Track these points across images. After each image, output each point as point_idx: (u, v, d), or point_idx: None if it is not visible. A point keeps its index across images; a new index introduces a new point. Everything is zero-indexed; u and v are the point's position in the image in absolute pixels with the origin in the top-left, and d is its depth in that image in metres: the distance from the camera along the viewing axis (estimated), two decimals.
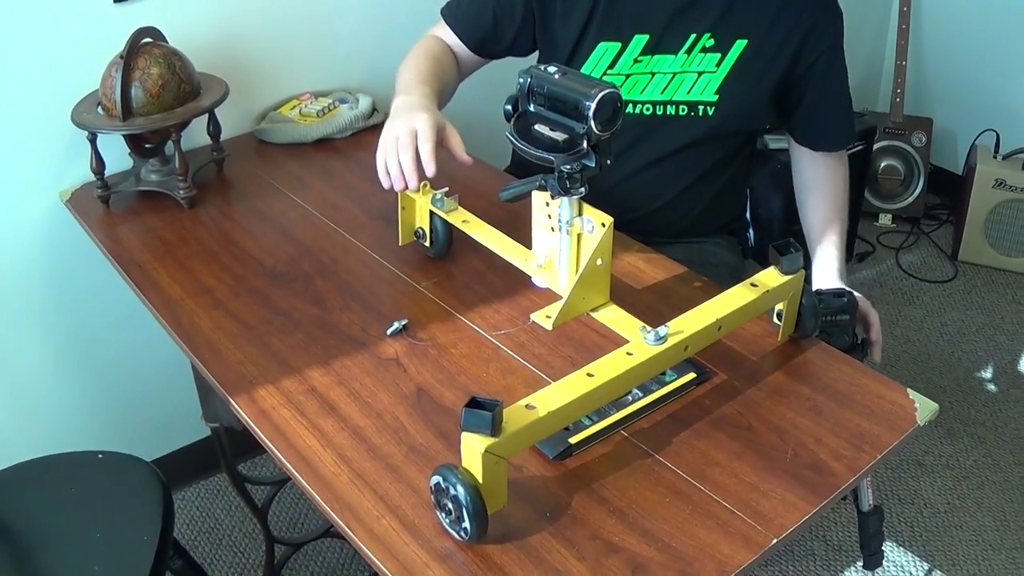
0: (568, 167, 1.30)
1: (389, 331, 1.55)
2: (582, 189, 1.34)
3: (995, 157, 3.52)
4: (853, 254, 3.55)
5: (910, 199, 3.79)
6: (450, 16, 2.03)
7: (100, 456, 1.83)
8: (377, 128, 2.26)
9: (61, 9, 2.07)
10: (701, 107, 1.89)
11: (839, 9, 1.93)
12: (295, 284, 1.71)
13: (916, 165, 3.75)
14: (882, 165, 3.77)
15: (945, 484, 2.65)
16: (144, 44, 2.00)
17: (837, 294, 1.72)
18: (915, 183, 3.77)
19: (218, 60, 2.23)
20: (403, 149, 1.59)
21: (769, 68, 1.89)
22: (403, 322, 1.56)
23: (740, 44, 1.87)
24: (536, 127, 1.32)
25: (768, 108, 1.96)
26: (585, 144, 1.27)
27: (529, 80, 1.32)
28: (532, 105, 1.33)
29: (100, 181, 2.05)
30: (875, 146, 3.70)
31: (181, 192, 1.99)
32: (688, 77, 1.89)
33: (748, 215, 2.28)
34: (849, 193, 2.07)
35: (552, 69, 1.31)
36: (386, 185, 1.64)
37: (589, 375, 1.24)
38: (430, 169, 1.58)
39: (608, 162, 1.32)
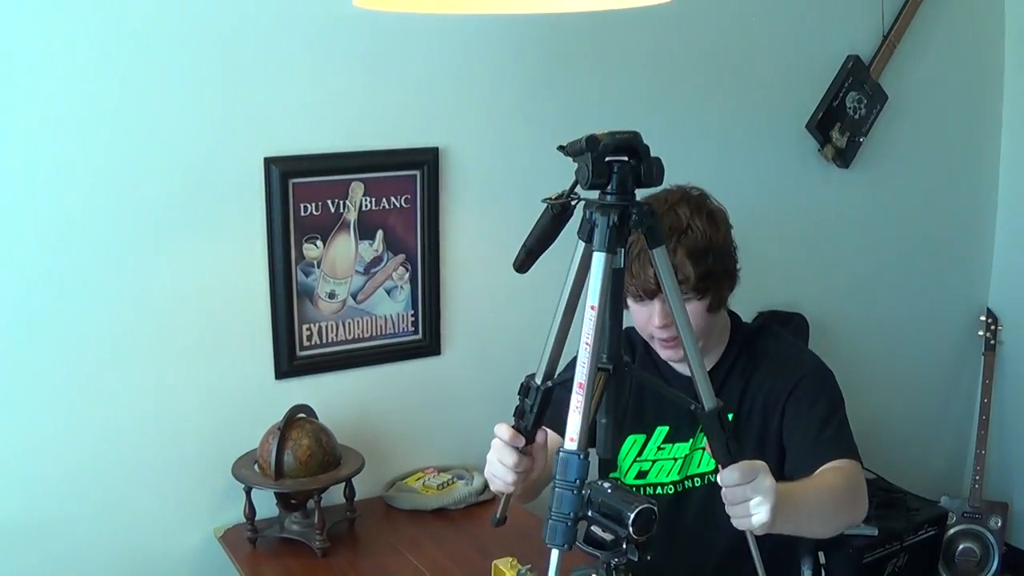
0: (615, 560, 1.67)
1: None
2: None
3: None
4: None
5: None
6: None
7: None
8: (488, 503, 2.68)
9: (233, 380, 2.53)
10: (705, 477, 2.21)
11: (797, 371, 2.17)
12: None
13: (992, 547, 3.92)
14: (960, 547, 3.94)
15: None
16: (298, 418, 2.44)
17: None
18: (990, 564, 3.93)
19: (358, 433, 2.62)
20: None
21: (747, 429, 2.19)
22: None
23: (728, 417, 2.15)
24: (592, 528, 1.70)
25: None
26: (625, 545, 1.65)
27: (588, 492, 1.71)
28: (590, 511, 1.71)
29: (250, 525, 2.44)
30: (953, 529, 3.91)
31: (317, 543, 2.38)
32: (696, 454, 2.23)
33: None
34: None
35: (607, 485, 1.70)
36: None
37: None
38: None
39: (648, 557, 1.69)
